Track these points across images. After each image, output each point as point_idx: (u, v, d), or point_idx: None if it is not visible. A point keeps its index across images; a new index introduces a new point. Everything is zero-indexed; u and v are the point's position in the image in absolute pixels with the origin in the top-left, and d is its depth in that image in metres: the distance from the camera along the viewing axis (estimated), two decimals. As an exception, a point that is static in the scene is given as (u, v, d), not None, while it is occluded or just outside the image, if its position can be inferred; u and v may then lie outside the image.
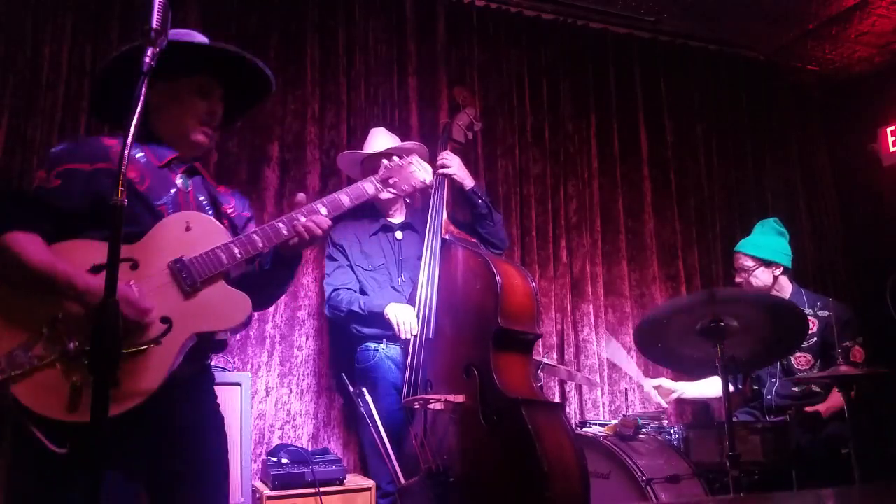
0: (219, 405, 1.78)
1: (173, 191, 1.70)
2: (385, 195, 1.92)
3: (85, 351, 1.43)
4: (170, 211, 1.66)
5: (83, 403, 1.40)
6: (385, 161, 1.91)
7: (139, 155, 1.68)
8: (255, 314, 3.19)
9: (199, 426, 1.69)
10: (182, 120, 1.73)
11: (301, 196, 1.76)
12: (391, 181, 1.89)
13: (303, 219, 1.70)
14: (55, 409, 1.41)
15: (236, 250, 1.63)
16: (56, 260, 1.48)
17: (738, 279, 3.39)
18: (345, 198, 1.79)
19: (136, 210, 1.60)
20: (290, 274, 1.85)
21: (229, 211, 1.85)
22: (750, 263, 3.32)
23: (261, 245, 1.65)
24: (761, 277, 3.31)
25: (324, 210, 1.74)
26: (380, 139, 3.11)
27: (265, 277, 1.81)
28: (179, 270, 1.57)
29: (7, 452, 1.50)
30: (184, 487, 1.62)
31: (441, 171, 2.86)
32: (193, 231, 1.62)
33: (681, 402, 3.87)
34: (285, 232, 1.69)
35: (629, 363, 3.59)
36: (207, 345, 1.69)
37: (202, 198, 1.78)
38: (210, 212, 1.77)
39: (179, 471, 1.62)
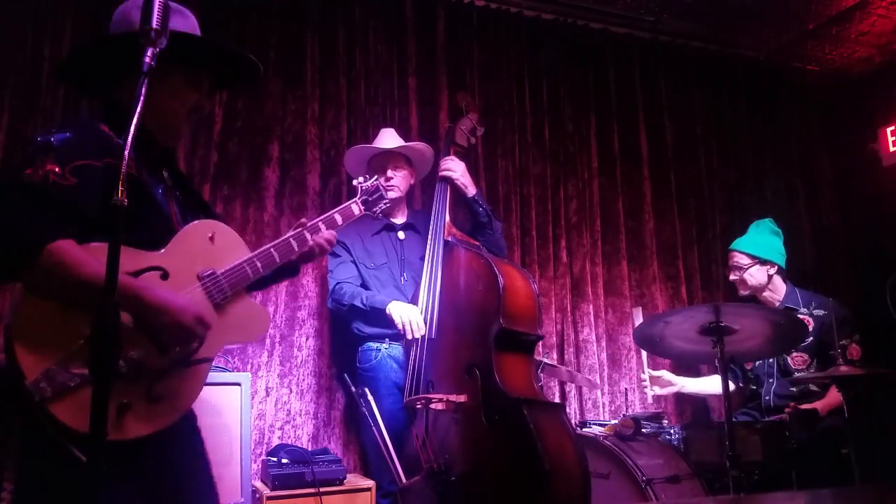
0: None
1: (162, 187, 1.63)
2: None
3: (131, 369, 1.40)
4: (163, 209, 1.60)
5: (128, 422, 1.39)
6: (359, 181, 2.10)
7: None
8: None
9: (188, 442, 1.65)
10: (172, 110, 1.64)
11: (303, 220, 1.90)
12: (369, 199, 2.09)
13: (309, 236, 1.84)
14: None
15: (259, 265, 1.69)
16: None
17: (731, 277, 3.42)
18: (338, 217, 1.97)
19: (145, 209, 1.51)
20: (288, 277, 2.06)
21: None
22: (745, 261, 3.35)
23: (278, 260, 1.75)
24: (756, 276, 3.34)
25: (323, 228, 1.90)
26: (389, 138, 3.14)
27: (263, 283, 1.85)
28: (213, 283, 1.57)
29: (16, 441, 1.42)
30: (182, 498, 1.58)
31: (444, 173, 2.87)
32: (217, 242, 1.63)
33: (680, 401, 3.88)
34: (296, 248, 1.81)
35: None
36: None
37: (178, 193, 1.72)
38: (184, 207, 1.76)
39: (174, 487, 1.56)
